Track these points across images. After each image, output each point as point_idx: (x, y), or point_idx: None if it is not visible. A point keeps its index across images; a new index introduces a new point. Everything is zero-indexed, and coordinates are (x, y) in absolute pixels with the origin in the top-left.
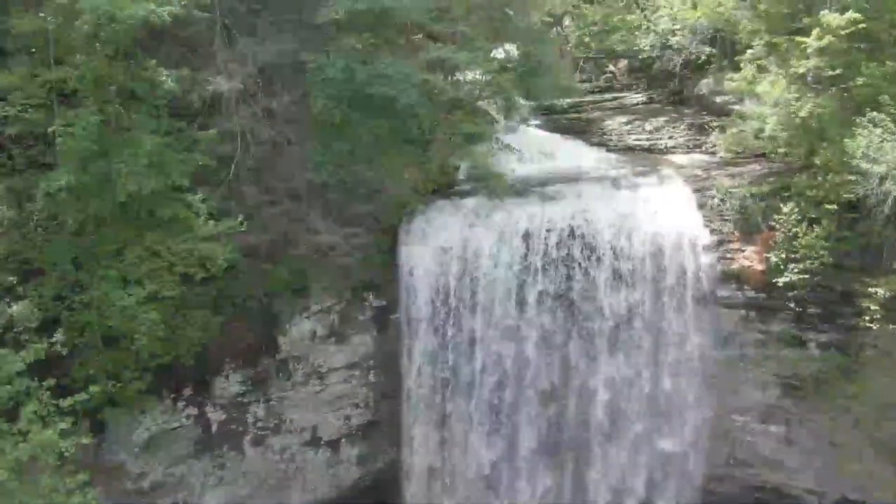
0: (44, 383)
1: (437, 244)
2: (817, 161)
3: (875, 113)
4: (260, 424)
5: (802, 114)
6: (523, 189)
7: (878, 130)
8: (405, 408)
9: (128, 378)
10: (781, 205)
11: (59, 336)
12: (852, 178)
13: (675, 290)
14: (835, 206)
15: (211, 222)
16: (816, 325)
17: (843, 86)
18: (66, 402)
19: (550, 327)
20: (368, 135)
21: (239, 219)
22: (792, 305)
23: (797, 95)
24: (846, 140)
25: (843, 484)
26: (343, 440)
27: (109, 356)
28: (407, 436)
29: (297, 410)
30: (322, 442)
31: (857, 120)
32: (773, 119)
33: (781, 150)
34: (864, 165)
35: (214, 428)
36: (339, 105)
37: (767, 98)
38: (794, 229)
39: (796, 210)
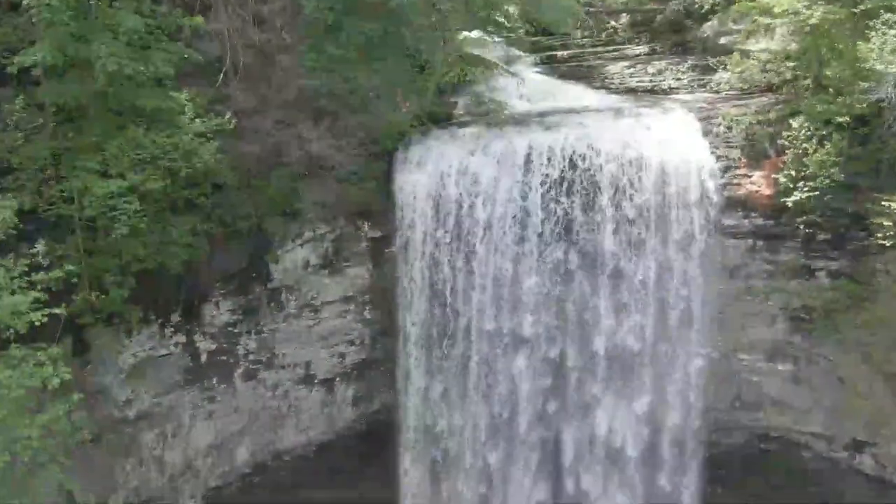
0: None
1: (434, 171)
2: (828, 73)
3: (889, 14)
4: (251, 357)
5: (813, 20)
6: (523, 119)
7: (893, 32)
8: (401, 346)
9: (110, 282)
10: (791, 121)
11: (40, 246)
12: (865, 85)
13: (679, 217)
14: (846, 119)
15: (198, 120)
16: (826, 252)
17: None
18: (37, 276)
19: (552, 257)
20: (360, 37)
21: (227, 115)
22: (801, 232)
23: (808, 3)
24: (859, 43)
25: (852, 424)
26: (337, 379)
27: (90, 263)
28: (403, 376)
29: (290, 345)
30: (316, 380)
31: (871, 24)
32: (782, 29)
33: (790, 67)
34: (879, 67)
35: (204, 358)
36: (332, 5)
37: (777, 6)
38: (804, 145)
39: (806, 125)
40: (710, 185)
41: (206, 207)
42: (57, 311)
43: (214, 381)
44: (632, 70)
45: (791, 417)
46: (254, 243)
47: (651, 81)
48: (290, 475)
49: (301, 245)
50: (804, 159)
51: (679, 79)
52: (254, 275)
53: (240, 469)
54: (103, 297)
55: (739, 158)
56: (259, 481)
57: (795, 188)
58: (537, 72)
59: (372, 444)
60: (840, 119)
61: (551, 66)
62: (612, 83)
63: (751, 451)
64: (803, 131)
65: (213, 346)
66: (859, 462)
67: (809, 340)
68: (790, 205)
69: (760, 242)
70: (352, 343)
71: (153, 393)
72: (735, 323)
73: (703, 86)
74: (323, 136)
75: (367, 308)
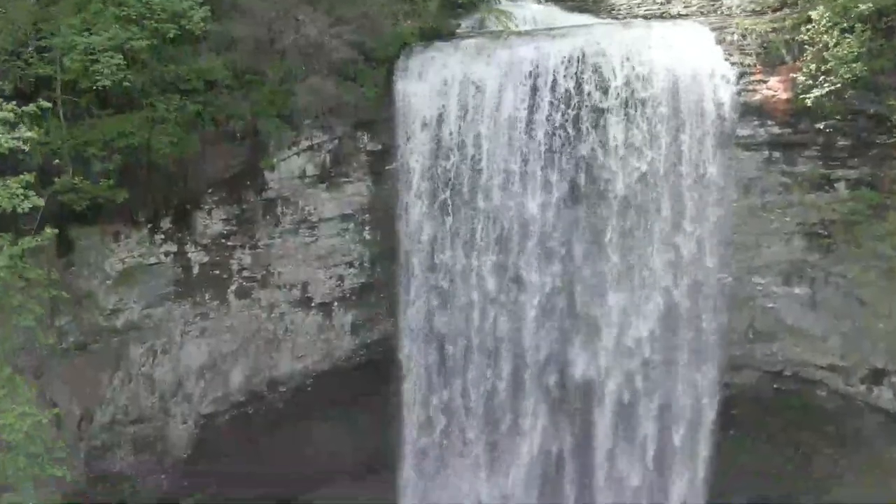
0: None
1: (436, 80)
2: None
3: None
4: (245, 274)
5: None
6: (529, 33)
7: None
8: (402, 270)
9: (90, 155)
10: (811, 13)
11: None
12: None
13: (691, 128)
14: (869, 6)
15: None
16: (846, 160)
17: None
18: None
19: (559, 172)
20: None
21: None
22: (820, 139)
23: None
24: None
25: (871, 350)
26: (335, 304)
27: (73, 135)
28: (403, 303)
29: (286, 263)
30: (313, 304)
31: None
32: None
33: None
34: None
35: (196, 270)
36: None
37: None
38: (825, 38)
39: (827, 16)
40: (724, 92)
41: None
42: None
43: (207, 297)
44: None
45: (806, 347)
46: (248, 147)
47: (660, 9)
48: (286, 408)
49: (297, 154)
50: (825, 54)
51: (689, 5)
52: (248, 182)
53: (234, 396)
54: (87, 181)
55: (754, 65)
56: (253, 412)
57: (815, 85)
58: (541, 4)
59: (371, 380)
60: (862, 6)
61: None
62: (620, 13)
63: (764, 392)
64: (824, 21)
65: (206, 259)
66: (877, 396)
67: (827, 258)
68: (809, 104)
69: (777, 153)
70: (350, 265)
71: (142, 303)
72: (750, 242)
73: (714, 11)
74: (319, 20)
75: (367, 228)
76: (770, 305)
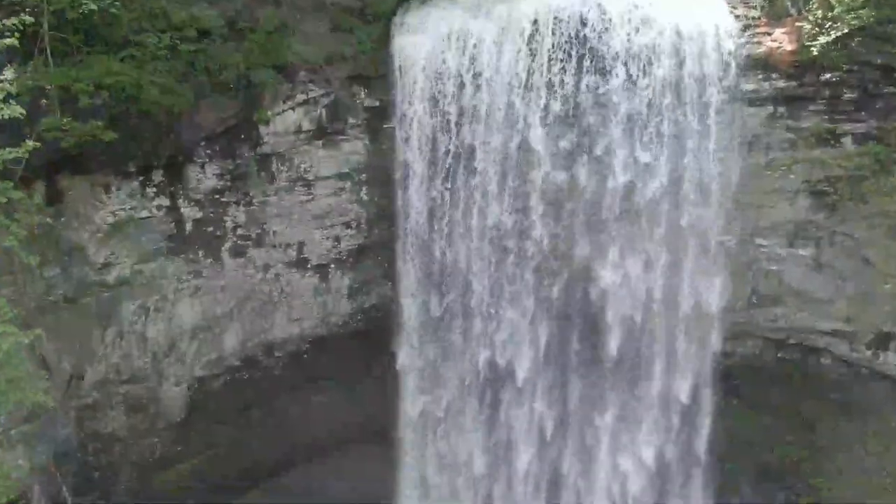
0: None
1: (433, 35)
2: None
3: None
4: (240, 232)
5: None
6: None
7: None
8: (399, 232)
9: (78, 90)
10: None
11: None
12: None
13: (695, 83)
14: None
15: None
16: (852, 114)
17: None
18: None
19: (559, 131)
20: None
21: None
22: (825, 92)
23: None
24: None
25: (877, 312)
26: (332, 266)
27: (61, 72)
28: (401, 266)
29: (282, 222)
30: (309, 265)
31: None
32: None
33: None
34: None
35: (189, 227)
36: None
37: None
38: None
39: None
40: (728, 45)
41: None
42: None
43: (200, 254)
44: None
45: (811, 312)
46: (242, 99)
47: None
48: (283, 375)
49: (293, 108)
50: (831, 0)
51: None
52: (242, 137)
53: (228, 360)
54: (75, 123)
55: (759, 18)
56: (249, 378)
57: (821, 32)
58: None
59: (369, 349)
60: None
61: None
62: None
63: (767, 361)
64: None
65: (199, 214)
66: (882, 362)
67: (832, 217)
68: (815, 52)
69: (782, 108)
70: (347, 226)
71: (134, 258)
72: (754, 202)
73: None
74: None
75: (364, 188)
76: (774, 268)
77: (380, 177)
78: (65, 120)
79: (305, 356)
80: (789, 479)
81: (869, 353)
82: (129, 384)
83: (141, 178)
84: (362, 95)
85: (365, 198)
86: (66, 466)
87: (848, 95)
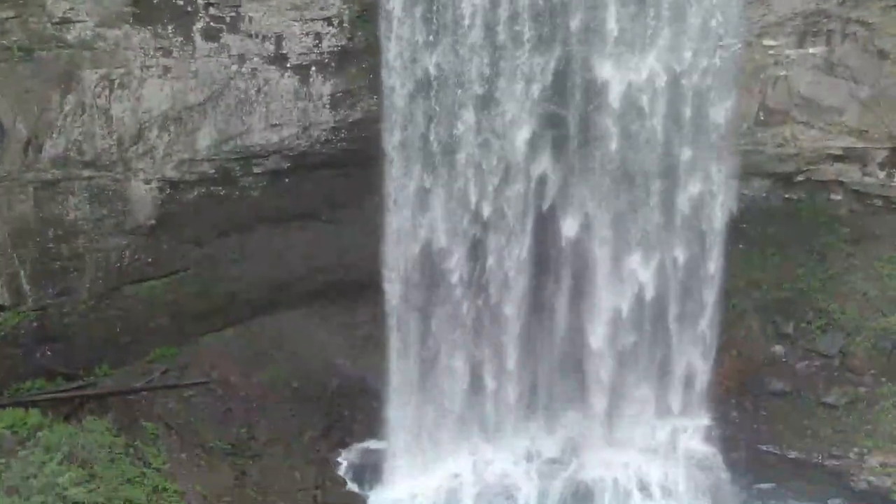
0: None
1: None
2: None
3: None
4: (213, 12)
5: None
6: None
7: None
8: (383, 34)
9: None
10: None
11: None
12: None
13: None
14: None
15: None
16: None
17: None
18: None
19: None
20: None
21: None
22: None
23: None
24: None
25: (891, 117)
26: (313, 68)
27: None
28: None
29: (258, 8)
30: (288, 64)
31: None
32: None
33: None
34: None
35: None
36: None
37: None
38: None
39: None
40: None
41: None
42: None
43: (170, 30)
44: None
45: (821, 128)
46: None
47: None
48: (262, 200)
49: None
50: None
51: None
52: None
53: (202, 166)
54: None
55: None
56: (225, 196)
57: None
58: None
59: (354, 186)
60: None
61: None
62: None
63: (774, 204)
64: None
65: None
66: None
67: (845, 5)
68: None
69: None
70: (329, 22)
71: (95, 19)
72: None
73: None
74: None
75: None
76: (783, 73)
77: None
78: None
79: (287, 180)
80: (798, 309)
81: (882, 174)
82: (93, 168)
83: None
84: None
85: None
86: (24, 250)
87: None
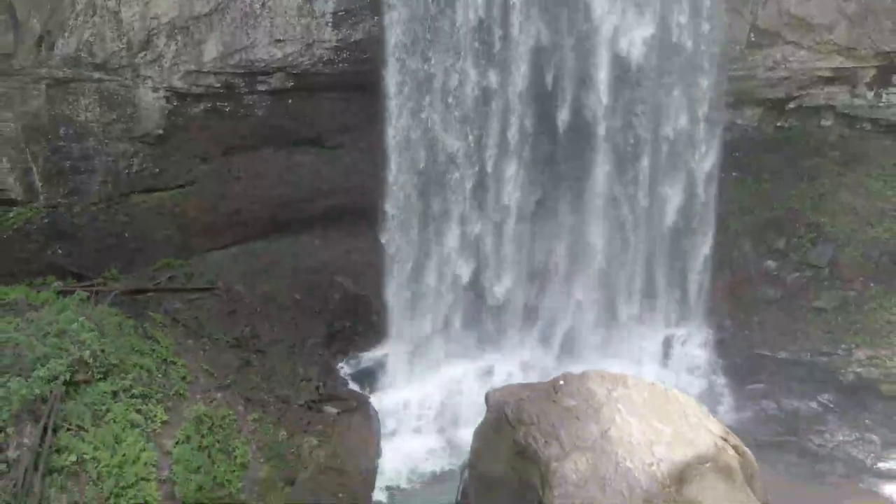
0: None
1: None
2: None
3: None
4: None
5: None
6: None
7: None
8: None
9: None
10: None
11: None
12: None
13: None
14: None
15: None
16: None
17: None
18: None
19: None
20: None
21: None
22: None
23: None
24: None
25: (880, 31)
26: None
27: None
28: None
29: None
30: None
31: None
32: None
33: None
34: None
35: None
36: None
37: None
38: None
39: None
40: None
41: None
42: None
43: None
44: None
45: (811, 48)
46: None
47: None
48: (266, 118)
49: None
50: None
51: None
52: None
53: (208, 79)
54: None
55: None
56: (230, 112)
57: None
58: None
59: (356, 111)
60: None
61: None
62: None
63: (766, 132)
64: None
65: None
66: (886, 104)
67: None
68: None
69: None
70: None
71: None
72: None
73: None
74: None
75: None
76: None
77: None
78: None
79: (290, 101)
80: (790, 226)
81: (871, 94)
82: (103, 72)
83: None
84: None
85: None
86: (36, 146)
87: None
